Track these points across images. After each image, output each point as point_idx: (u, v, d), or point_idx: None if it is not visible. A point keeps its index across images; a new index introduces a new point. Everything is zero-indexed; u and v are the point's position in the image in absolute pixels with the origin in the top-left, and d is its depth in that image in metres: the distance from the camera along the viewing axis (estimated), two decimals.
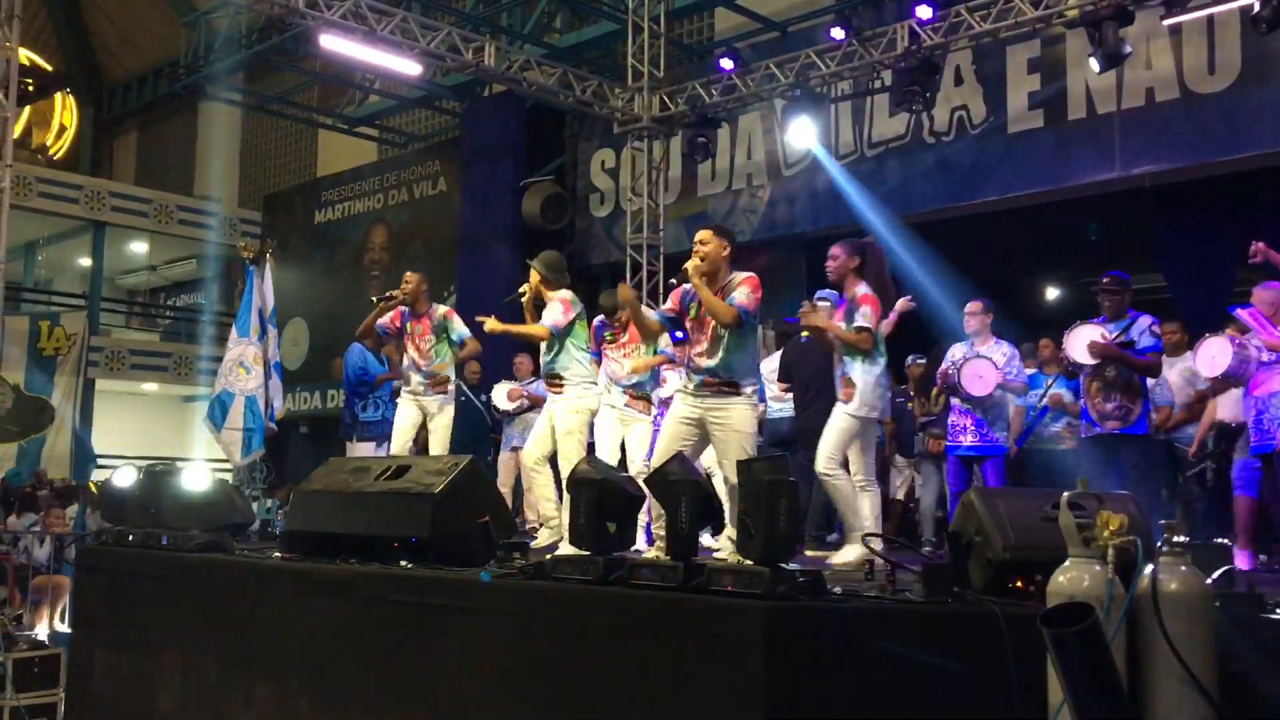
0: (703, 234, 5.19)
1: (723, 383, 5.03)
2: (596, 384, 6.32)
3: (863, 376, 5.53)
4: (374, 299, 7.31)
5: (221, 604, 4.94)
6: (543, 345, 6.18)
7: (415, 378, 7.12)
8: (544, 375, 6.26)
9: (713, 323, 5.07)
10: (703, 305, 5.08)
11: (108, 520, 6.28)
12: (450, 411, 7.14)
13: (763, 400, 7.31)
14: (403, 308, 7.19)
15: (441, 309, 7.29)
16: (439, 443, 7.04)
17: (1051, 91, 9.94)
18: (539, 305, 6.24)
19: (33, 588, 9.82)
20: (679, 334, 8.96)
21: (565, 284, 6.28)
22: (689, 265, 5.07)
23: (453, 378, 7.25)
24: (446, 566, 4.13)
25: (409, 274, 7.34)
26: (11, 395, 16.51)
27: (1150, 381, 7.29)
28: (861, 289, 5.57)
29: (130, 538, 5.65)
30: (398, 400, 7.30)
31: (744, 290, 5.04)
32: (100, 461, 17.08)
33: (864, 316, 5.48)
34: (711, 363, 5.05)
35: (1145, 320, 6.39)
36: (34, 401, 17.07)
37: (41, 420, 17.02)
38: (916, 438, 8.57)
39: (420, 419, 7.13)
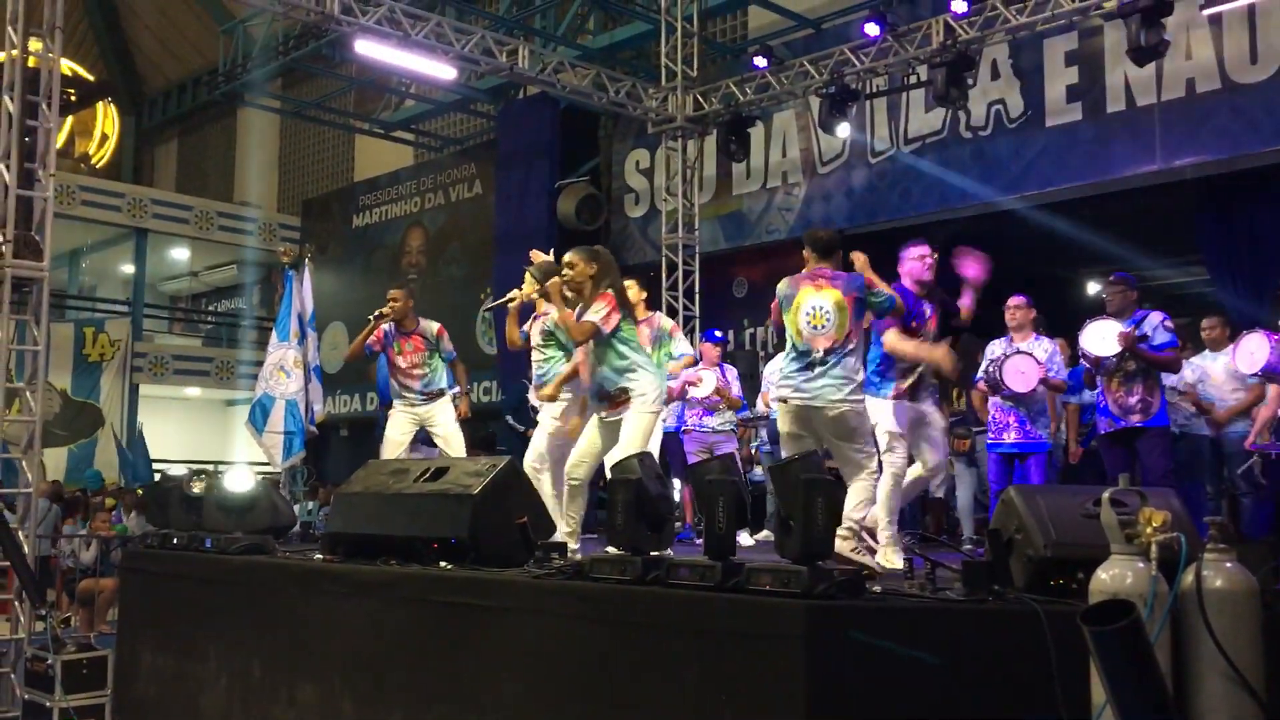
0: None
1: None
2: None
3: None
4: (369, 318, 7.23)
5: (264, 605, 4.98)
6: (536, 354, 6.11)
7: (409, 395, 7.12)
8: (536, 385, 6.12)
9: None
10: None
11: (152, 523, 6.36)
12: (453, 415, 7.16)
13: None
14: (386, 327, 7.17)
15: (434, 325, 7.29)
16: (456, 447, 7.09)
17: (1090, 84, 9.84)
18: (527, 312, 6.21)
19: (80, 591, 9.98)
20: (717, 334, 8.96)
21: None
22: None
23: (447, 388, 7.26)
24: (485, 567, 4.15)
25: (394, 290, 7.32)
26: (59, 400, 16.78)
27: (1191, 376, 7.23)
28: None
29: (174, 541, 5.72)
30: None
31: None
32: None
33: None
34: None
35: (1156, 316, 6.42)
36: (81, 407, 17.35)
37: (87, 425, 17.30)
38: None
39: (414, 431, 7.16)
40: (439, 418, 7.13)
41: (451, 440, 7.11)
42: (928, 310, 5.57)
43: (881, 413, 5.44)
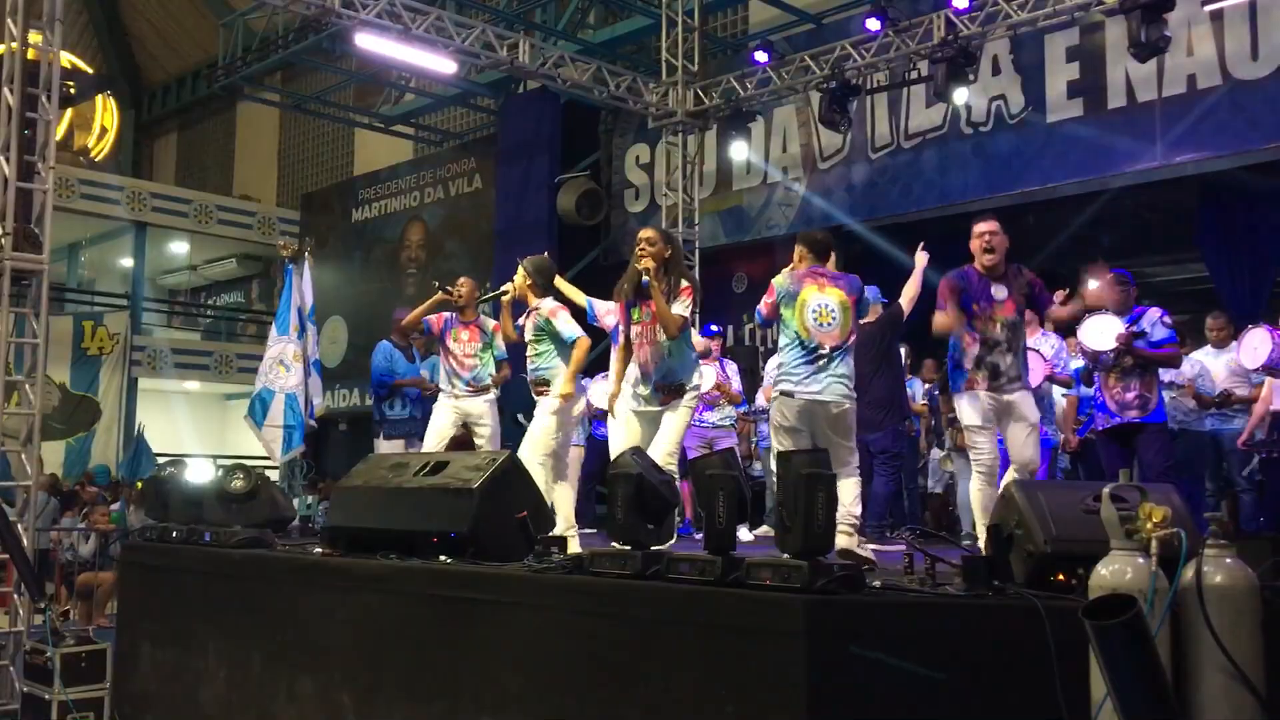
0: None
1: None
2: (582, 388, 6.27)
3: None
4: (436, 283, 7.25)
5: (264, 599, 4.99)
6: (530, 349, 6.08)
7: (456, 384, 7.10)
8: (531, 379, 6.09)
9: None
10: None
11: (152, 517, 6.35)
12: (495, 417, 7.13)
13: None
14: (446, 313, 7.18)
15: (491, 322, 7.25)
16: (492, 446, 7.03)
17: (1090, 79, 9.83)
18: (519, 306, 6.21)
19: (78, 584, 9.98)
20: (714, 328, 8.95)
21: (551, 292, 6.21)
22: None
23: (494, 385, 7.25)
24: (485, 561, 4.15)
25: (464, 279, 7.29)
26: (57, 394, 16.76)
27: (1191, 371, 7.24)
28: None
29: (174, 534, 5.72)
30: (437, 398, 7.30)
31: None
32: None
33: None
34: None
35: (1155, 312, 6.42)
36: (79, 400, 17.34)
37: (86, 419, 17.29)
38: (946, 432, 8.49)
39: (457, 423, 7.12)
40: (483, 415, 7.06)
41: (491, 441, 7.02)
42: (998, 293, 5.32)
43: (959, 409, 5.40)
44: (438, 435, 6.99)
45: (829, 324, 5.20)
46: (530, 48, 11.30)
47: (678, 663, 3.23)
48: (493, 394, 7.18)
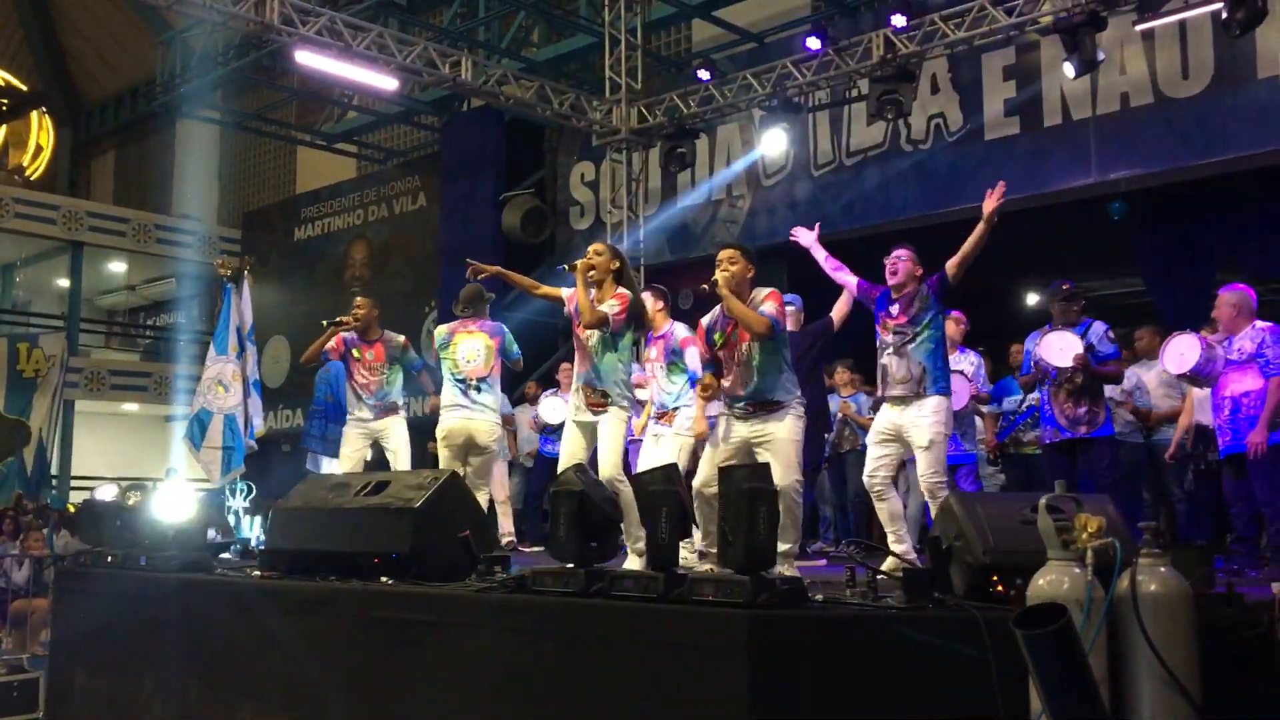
0: (727, 252, 5.21)
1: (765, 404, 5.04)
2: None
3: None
4: (324, 323, 7.18)
5: (201, 624, 4.90)
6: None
7: (362, 408, 7.04)
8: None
9: (740, 349, 5.08)
10: (731, 324, 5.11)
11: (86, 541, 6.23)
12: (403, 429, 7.08)
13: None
14: (346, 334, 7.10)
15: (399, 338, 7.21)
16: (403, 462, 7.00)
17: (1027, 98, 9.99)
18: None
19: (12, 611, 9.75)
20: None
21: (486, 315, 6.62)
22: (718, 277, 5.08)
23: (401, 403, 7.20)
24: (427, 581, 4.11)
25: (360, 299, 7.28)
26: None
27: (1128, 384, 7.35)
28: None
29: (109, 559, 5.61)
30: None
31: (770, 304, 5.06)
32: (77, 483, 17.00)
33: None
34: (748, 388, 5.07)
35: (1099, 326, 6.51)
36: (14, 425, 16.98)
37: (20, 443, 16.94)
38: None
39: (367, 447, 7.08)
40: (391, 431, 7.05)
41: (400, 455, 7.02)
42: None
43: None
44: (351, 462, 6.94)
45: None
46: (473, 65, 11.27)
47: (622, 680, 3.22)
48: (401, 414, 7.14)
